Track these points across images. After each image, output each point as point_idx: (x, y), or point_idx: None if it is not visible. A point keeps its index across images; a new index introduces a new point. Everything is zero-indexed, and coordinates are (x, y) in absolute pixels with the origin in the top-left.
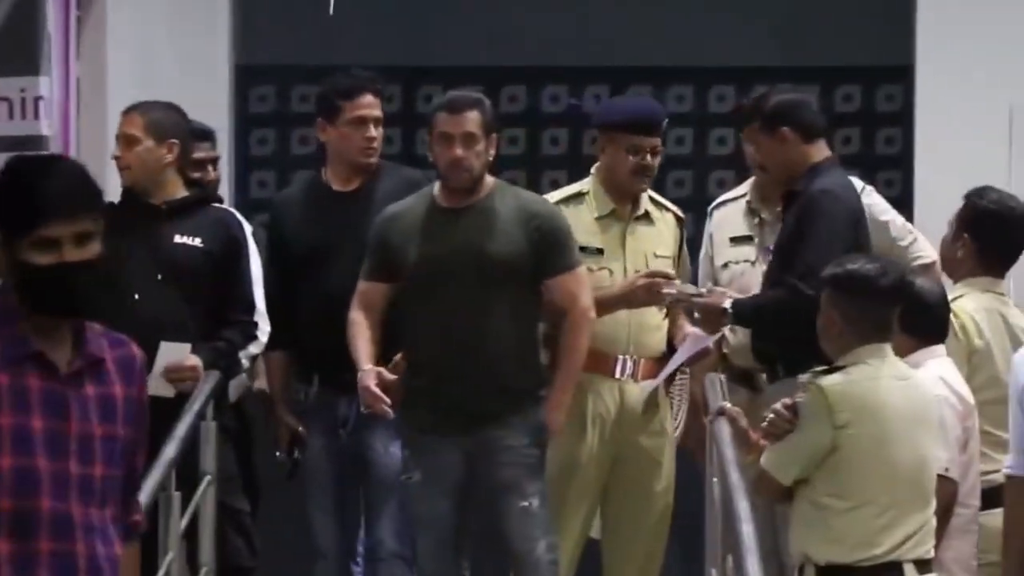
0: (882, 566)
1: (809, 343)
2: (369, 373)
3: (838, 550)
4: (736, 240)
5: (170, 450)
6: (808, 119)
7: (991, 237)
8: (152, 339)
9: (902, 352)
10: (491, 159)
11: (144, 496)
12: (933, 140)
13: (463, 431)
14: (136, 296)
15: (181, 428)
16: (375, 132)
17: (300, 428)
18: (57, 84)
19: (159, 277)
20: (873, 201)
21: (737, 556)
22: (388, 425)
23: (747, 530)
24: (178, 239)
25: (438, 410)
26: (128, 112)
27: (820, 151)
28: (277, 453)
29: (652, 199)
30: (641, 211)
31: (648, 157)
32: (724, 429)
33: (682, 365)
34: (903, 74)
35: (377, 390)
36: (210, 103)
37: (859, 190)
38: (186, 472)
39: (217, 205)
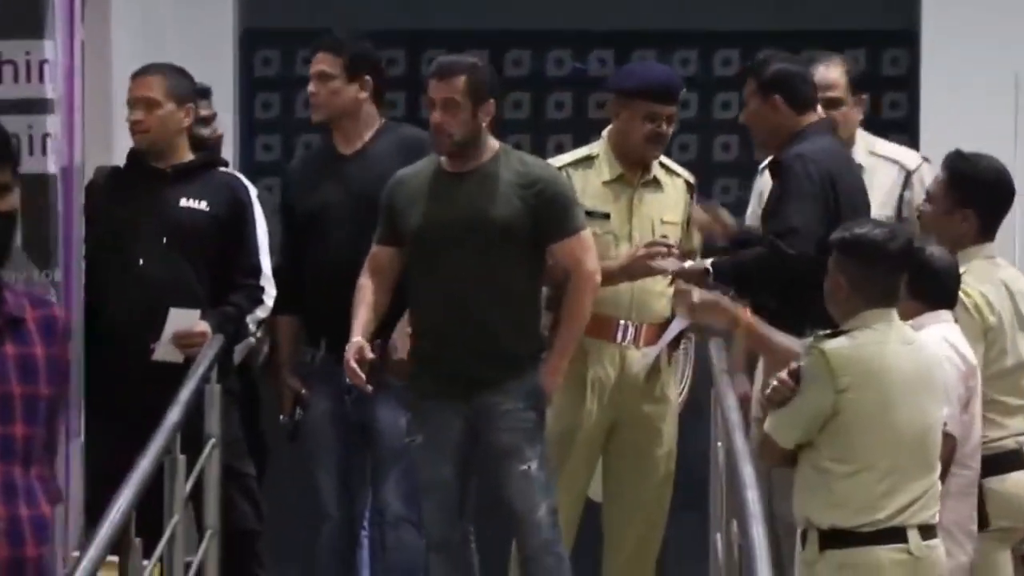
0: (885, 531)
1: (796, 302)
2: (352, 346)
3: (840, 514)
4: None
5: (174, 414)
6: (802, 91)
7: (992, 205)
8: (157, 303)
9: (906, 316)
10: (484, 124)
11: (149, 459)
12: (938, 104)
13: (463, 397)
14: (141, 261)
15: (185, 392)
16: (314, 87)
17: (303, 390)
18: (62, 48)
19: (164, 241)
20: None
21: (742, 521)
22: (393, 393)
23: (752, 496)
24: (184, 203)
25: (439, 375)
26: (143, 75)
27: (807, 120)
28: (280, 416)
29: (663, 164)
30: (650, 176)
31: (664, 125)
32: (729, 393)
33: (683, 332)
34: (908, 38)
35: (355, 365)
36: (215, 67)
37: (916, 165)
38: (191, 436)
39: (223, 169)
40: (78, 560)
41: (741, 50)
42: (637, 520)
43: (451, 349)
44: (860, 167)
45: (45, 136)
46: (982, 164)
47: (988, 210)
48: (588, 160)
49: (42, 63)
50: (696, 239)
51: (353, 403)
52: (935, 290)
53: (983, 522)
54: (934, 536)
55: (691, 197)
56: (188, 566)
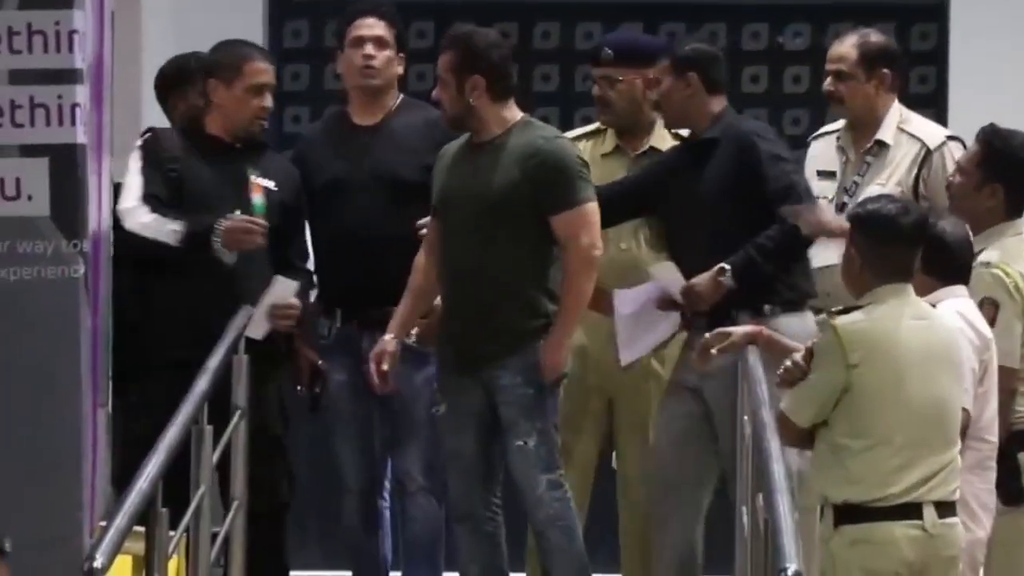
0: (899, 507)
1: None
2: (378, 347)
3: (854, 490)
4: (822, 175)
5: (202, 383)
6: (715, 72)
7: (1022, 183)
8: (232, 278)
9: (921, 292)
10: (473, 99)
11: (176, 429)
12: (967, 79)
13: (471, 369)
14: None
15: (214, 361)
16: (372, 51)
17: (320, 362)
18: (92, 18)
19: (239, 215)
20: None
21: (767, 494)
22: (412, 360)
23: (778, 469)
24: (254, 179)
25: (451, 347)
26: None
27: (720, 103)
28: (298, 388)
29: (680, 137)
30: (645, 147)
31: (598, 88)
32: (756, 368)
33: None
34: (937, 12)
35: (374, 368)
36: (244, 37)
37: (937, 143)
38: (219, 406)
39: (273, 152)
40: (105, 529)
41: (770, 24)
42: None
43: (458, 322)
44: (884, 144)
45: (74, 106)
46: (1016, 140)
47: (1017, 187)
48: (596, 133)
49: (71, 33)
50: None
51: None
52: (947, 265)
53: (1016, 496)
54: (952, 514)
55: None
56: (214, 537)
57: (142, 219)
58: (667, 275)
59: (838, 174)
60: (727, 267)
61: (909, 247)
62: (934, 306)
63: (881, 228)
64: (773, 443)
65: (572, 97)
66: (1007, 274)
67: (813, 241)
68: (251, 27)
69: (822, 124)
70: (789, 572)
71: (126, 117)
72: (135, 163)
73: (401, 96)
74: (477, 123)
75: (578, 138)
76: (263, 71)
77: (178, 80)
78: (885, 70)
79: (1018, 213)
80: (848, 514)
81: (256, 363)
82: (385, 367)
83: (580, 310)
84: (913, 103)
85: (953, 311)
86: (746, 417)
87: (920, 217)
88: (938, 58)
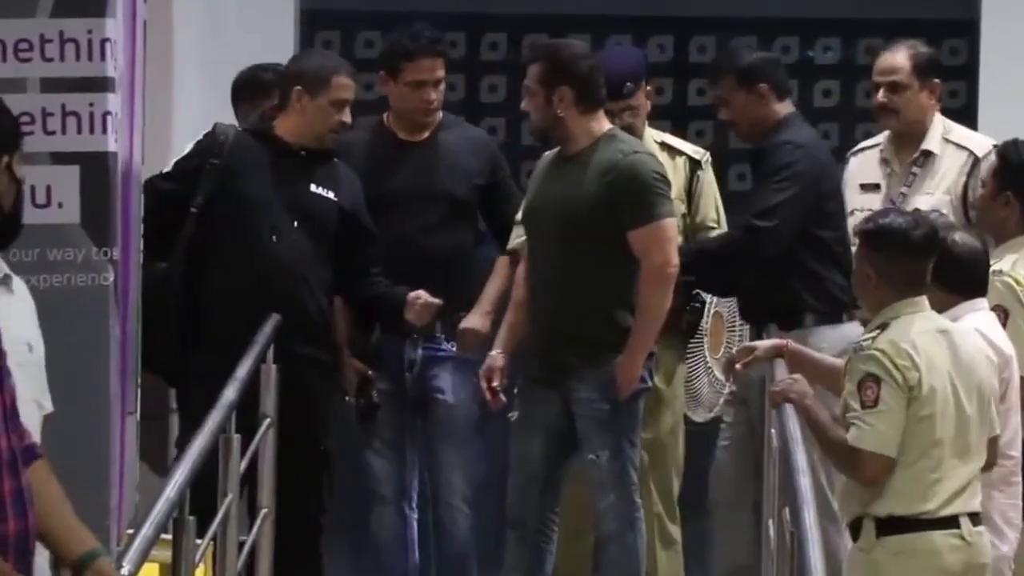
0: (938, 520)
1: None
2: (486, 364)
3: (896, 503)
4: (865, 187)
5: (229, 392)
6: (782, 77)
7: None
8: (284, 283)
9: (939, 307)
10: (561, 110)
11: (204, 438)
12: (997, 95)
13: (551, 380)
14: (274, 238)
15: (242, 371)
16: (434, 95)
17: (369, 372)
18: (124, 27)
19: (295, 224)
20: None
21: (794, 508)
22: (456, 369)
23: (804, 482)
24: (314, 188)
25: (533, 357)
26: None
27: (786, 107)
28: (347, 398)
29: (665, 144)
30: None
31: (619, 119)
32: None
33: None
34: (968, 28)
35: (484, 384)
36: (276, 48)
37: (984, 152)
38: (249, 414)
39: (337, 161)
40: (132, 537)
41: (801, 38)
42: (646, 489)
43: (536, 333)
44: (930, 153)
45: (106, 114)
46: None
47: None
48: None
49: (104, 41)
50: (703, 214)
51: (415, 379)
52: (960, 277)
53: None
54: (980, 523)
55: (693, 173)
56: (241, 546)
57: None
58: None
59: (882, 186)
60: None
61: (922, 259)
62: (955, 321)
63: (892, 241)
64: (800, 457)
65: None
66: (1017, 282)
67: (770, 251)
68: (283, 37)
69: (852, 138)
70: None
71: (157, 125)
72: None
73: (442, 112)
74: (564, 134)
75: None
76: (348, 87)
77: (251, 91)
78: (936, 79)
79: None
80: (890, 526)
81: (306, 375)
82: (496, 383)
83: (655, 326)
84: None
85: (971, 329)
86: (773, 430)
87: (930, 229)
88: (968, 73)
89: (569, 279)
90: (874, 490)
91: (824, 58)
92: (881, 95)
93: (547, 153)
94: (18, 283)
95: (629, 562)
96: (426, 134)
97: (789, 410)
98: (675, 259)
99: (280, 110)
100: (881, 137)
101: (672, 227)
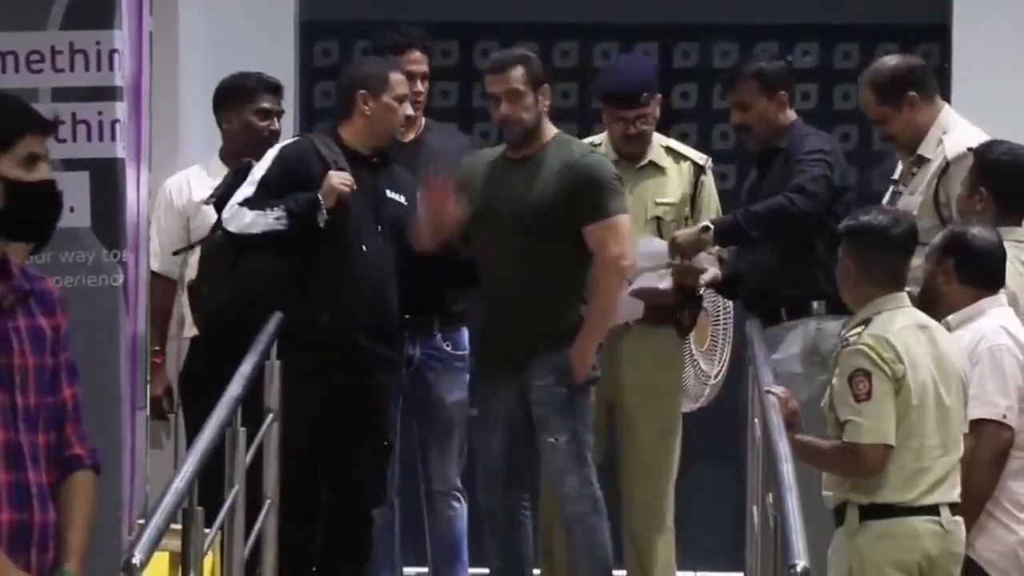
0: (919, 508)
1: (796, 264)
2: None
3: (881, 492)
4: (891, 182)
5: (235, 388)
6: (794, 86)
7: (1008, 186)
8: (378, 290)
9: (961, 303)
10: (545, 110)
11: (211, 432)
12: (970, 99)
13: (511, 372)
14: (363, 247)
15: (247, 367)
16: (421, 87)
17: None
18: (131, 38)
19: (379, 229)
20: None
21: (777, 494)
22: (451, 366)
23: (787, 469)
24: (388, 193)
25: (487, 351)
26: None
27: (792, 114)
28: None
29: (670, 149)
30: (645, 161)
31: (633, 126)
32: (765, 371)
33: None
34: (941, 33)
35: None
36: (277, 57)
37: (954, 155)
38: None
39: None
40: (143, 527)
41: (779, 43)
42: (646, 475)
43: (495, 326)
44: (924, 159)
45: (114, 122)
46: (999, 148)
47: (1003, 192)
48: (595, 147)
49: (111, 52)
50: (704, 216)
51: (410, 376)
52: (979, 271)
53: None
54: (959, 513)
55: (698, 178)
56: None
57: (243, 220)
58: (654, 244)
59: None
60: (710, 226)
61: (900, 255)
62: (978, 317)
63: (873, 238)
64: (782, 444)
65: (590, 115)
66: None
67: (807, 220)
68: (283, 46)
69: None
70: (798, 569)
71: (163, 132)
72: (259, 170)
73: (424, 119)
74: (537, 134)
75: None
76: (404, 82)
77: (234, 96)
78: (911, 92)
79: (1013, 217)
80: (873, 512)
81: (378, 374)
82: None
83: (608, 316)
84: None
85: (997, 326)
86: (756, 419)
87: (910, 227)
88: (941, 79)
89: (527, 274)
90: (859, 480)
91: (802, 62)
92: (733, 116)
93: (475, 157)
94: None
95: (594, 542)
96: (411, 136)
97: (772, 400)
98: (629, 252)
99: (343, 119)
100: None
101: (626, 222)
